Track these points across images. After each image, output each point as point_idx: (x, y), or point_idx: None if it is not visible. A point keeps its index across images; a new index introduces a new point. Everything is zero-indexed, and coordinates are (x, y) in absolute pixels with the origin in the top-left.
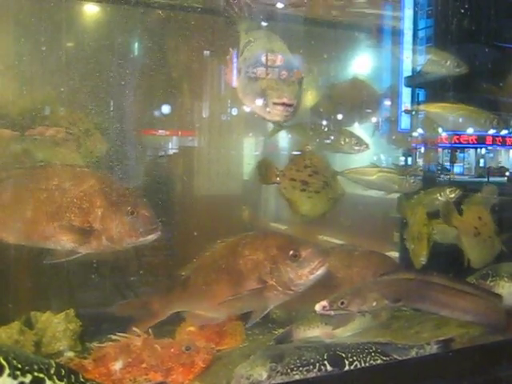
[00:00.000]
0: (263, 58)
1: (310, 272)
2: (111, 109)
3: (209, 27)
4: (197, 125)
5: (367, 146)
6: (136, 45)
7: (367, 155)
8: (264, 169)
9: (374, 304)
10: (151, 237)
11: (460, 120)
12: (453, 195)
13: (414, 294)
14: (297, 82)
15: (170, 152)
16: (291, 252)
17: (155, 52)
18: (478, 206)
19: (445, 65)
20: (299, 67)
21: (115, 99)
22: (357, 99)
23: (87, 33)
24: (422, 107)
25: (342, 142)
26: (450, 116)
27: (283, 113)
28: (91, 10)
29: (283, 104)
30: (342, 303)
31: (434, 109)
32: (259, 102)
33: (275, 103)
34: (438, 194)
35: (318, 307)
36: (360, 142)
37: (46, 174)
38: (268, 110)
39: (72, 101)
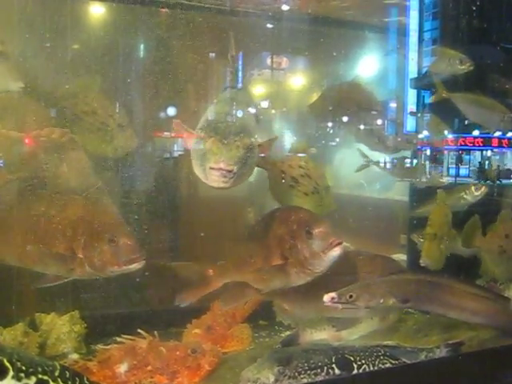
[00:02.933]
0: (211, 120)
1: (323, 252)
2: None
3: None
4: None
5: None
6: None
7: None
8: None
9: (382, 301)
10: (134, 266)
11: (482, 112)
12: (478, 193)
13: (423, 294)
14: (242, 146)
15: (176, 154)
16: (306, 228)
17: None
18: (506, 223)
19: (448, 62)
20: (251, 132)
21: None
22: (352, 101)
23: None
24: (448, 95)
25: (377, 141)
26: (475, 106)
27: (220, 178)
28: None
29: (220, 169)
30: (351, 297)
31: (460, 97)
32: (200, 166)
33: (212, 168)
34: (464, 193)
35: (326, 298)
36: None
37: (35, 199)
38: (207, 174)
39: (110, 93)
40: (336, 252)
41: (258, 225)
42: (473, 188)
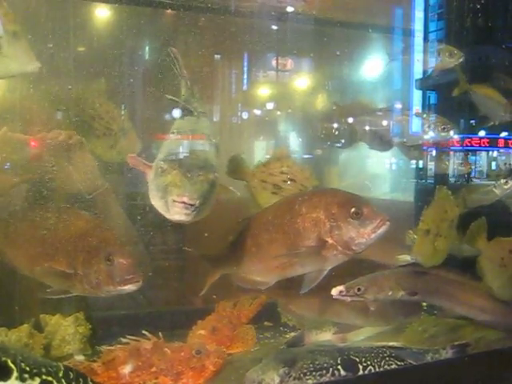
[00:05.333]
0: (174, 152)
1: (372, 230)
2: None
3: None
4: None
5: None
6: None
7: (377, 158)
8: (234, 164)
9: (390, 293)
10: (128, 287)
11: (489, 103)
12: (507, 186)
13: (431, 288)
14: (206, 181)
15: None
16: (353, 209)
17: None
18: None
19: (438, 57)
20: (214, 167)
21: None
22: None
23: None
24: (468, 88)
25: (427, 128)
26: (486, 97)
27: (182, 211)
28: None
29: (183, 203)
30: (359, 289)
31: (476, 88)
32: (160, 198)
33: (175, 201)
34: (493, 186)
35: (334, 291)
36: (447, 125)
37: (39, 212)
38: (168, 207)
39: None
40: (384, 229)
41: (269, 213)
42: (502, 181)
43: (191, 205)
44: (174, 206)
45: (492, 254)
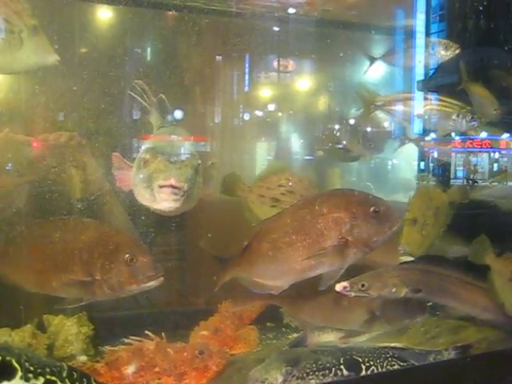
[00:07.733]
0: (155, 143)
1: (388, 228)
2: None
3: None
4: (209, 130)
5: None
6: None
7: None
8: (230, 182)
9: (394, 290)
10: (152, 283)
11: (482, 101)
12: None
13: (435, 286)
14: (190, 166)
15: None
16: (372, 208)
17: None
18: None
19: (432, 52)
20: (197, 157)
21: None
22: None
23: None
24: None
25: (455, 118)
26: (478, 95)
27: (170, 196)
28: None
29: (170, 186)
30: (363, 285)
31: (476, 89)
32: (146, 188)
33: (161, 186)
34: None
35: (338, 287)
36: (474, 116)
37: (50, 226)
38: (155, 195)
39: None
40: (397, 226)
41: (286, 216)
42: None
43: (179, 189)
44: (160, 191)
45: (502, 269)
